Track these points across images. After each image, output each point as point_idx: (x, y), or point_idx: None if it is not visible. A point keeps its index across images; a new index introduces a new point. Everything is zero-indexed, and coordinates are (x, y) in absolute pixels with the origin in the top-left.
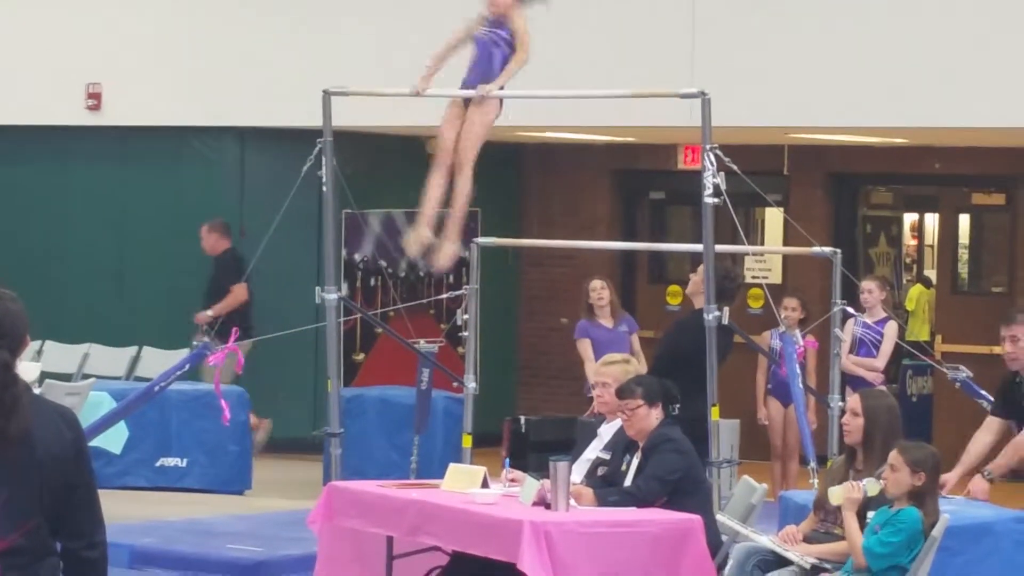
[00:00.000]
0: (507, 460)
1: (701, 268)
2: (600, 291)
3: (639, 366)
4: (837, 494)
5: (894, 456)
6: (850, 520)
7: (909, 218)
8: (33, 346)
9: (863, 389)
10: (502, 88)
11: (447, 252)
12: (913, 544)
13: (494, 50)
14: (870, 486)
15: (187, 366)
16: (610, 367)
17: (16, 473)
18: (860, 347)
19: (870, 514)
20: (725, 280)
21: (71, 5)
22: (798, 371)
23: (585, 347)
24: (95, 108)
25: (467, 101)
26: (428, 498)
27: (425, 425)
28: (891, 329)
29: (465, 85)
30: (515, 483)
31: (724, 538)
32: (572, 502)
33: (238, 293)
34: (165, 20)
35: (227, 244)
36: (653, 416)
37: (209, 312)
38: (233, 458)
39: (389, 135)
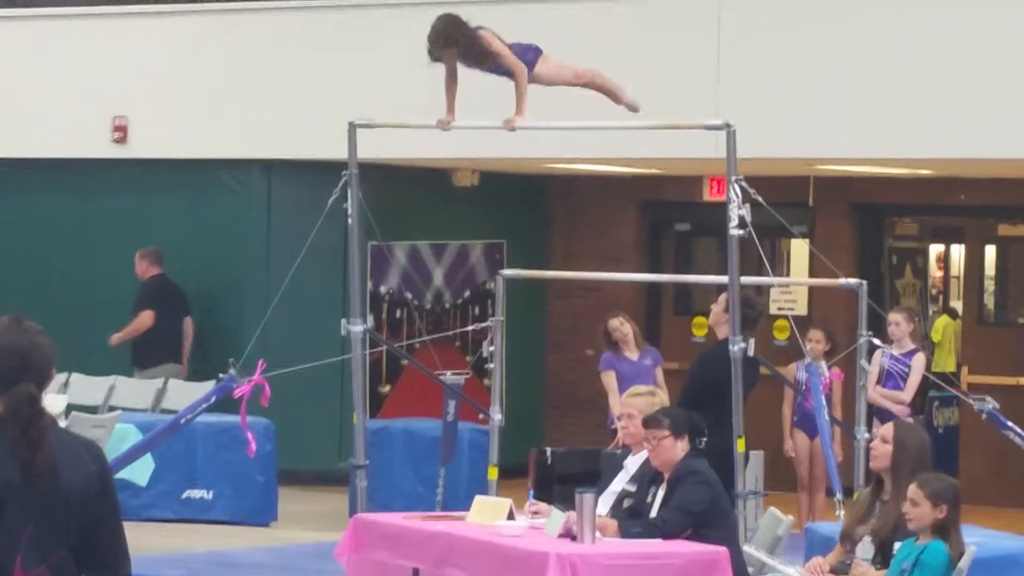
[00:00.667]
0: (531, 492)
1: (722, 298)
2: (620, 328)
3: (665, 398)
4: None
5: (913, 490)
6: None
7: (935, 249)
8: (59, 378)
9: (897, 420)
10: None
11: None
12: None
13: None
14: None
15: (213, 398)
16: (635, 399)
17: (42, 506)
18: (888, 379)
19: (897, 544)
20: (746, 308)
21: (97, 38)
22: (824, 403)
23: (610, 379)
24: (121, 141)
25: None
26: (454, 530)
27: (451, 457)
28: (919, 361)
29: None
30: (538, 515)
31: (750, 570)
32: (598, 534)
33: (143, 319)
34: (190, 53)
35: (157, 271)
36: (679, 448)
37: (117, 335)
38: (259, 490)
39: (415, 167)
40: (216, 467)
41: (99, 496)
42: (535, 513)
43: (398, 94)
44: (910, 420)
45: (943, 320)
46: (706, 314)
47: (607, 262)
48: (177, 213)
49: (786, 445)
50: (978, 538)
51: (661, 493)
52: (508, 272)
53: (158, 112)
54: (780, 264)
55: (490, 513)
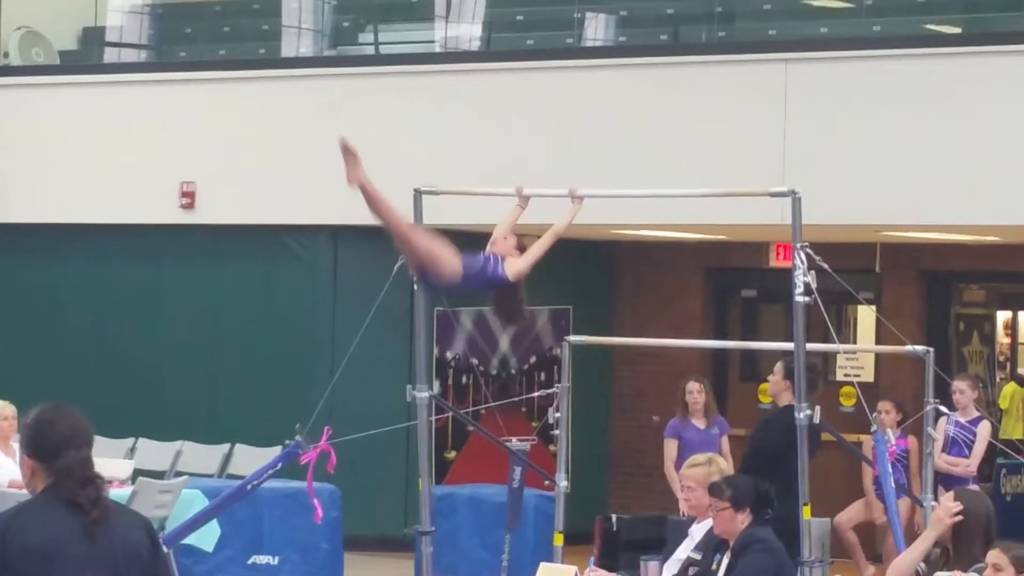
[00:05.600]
0: (592, 559)
1: (778, 366)
2: (696, 394)
3: (726, 466)
4: None
5: (996, 555)
6: None
7: (1002, 316)
8: (126, 444)
9: (958, 488)
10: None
11: (515, 265)
12: None
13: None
14: None
15: (280, 464)
16: (694, 470)
17: (99, 559)
18: (952, 446)
19: None
20: (808, 372)
21: (166, 103)
22: (890, 471)
23: (671, 447)
24: (189, 207)
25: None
26: None
27: (517, 523)
28: (984, 429)
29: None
30: None
31: None
32: None
33: None
34: (257, 118)
35: None
36: (739, 520)
37: None
38: (325, 556)
39: (480, 232)
40: (282, 533)
41: (152, 556)
42: None
43: (462, 160)
44: (975, 487)
45: (1011, 387)
46: None
47: (673, 328)
48: (244, 279)
49: (875, 512)
50: None
51: (726, 561)
52: (574, 338)
53: (225, 178)
54: (846, 330)
55: None
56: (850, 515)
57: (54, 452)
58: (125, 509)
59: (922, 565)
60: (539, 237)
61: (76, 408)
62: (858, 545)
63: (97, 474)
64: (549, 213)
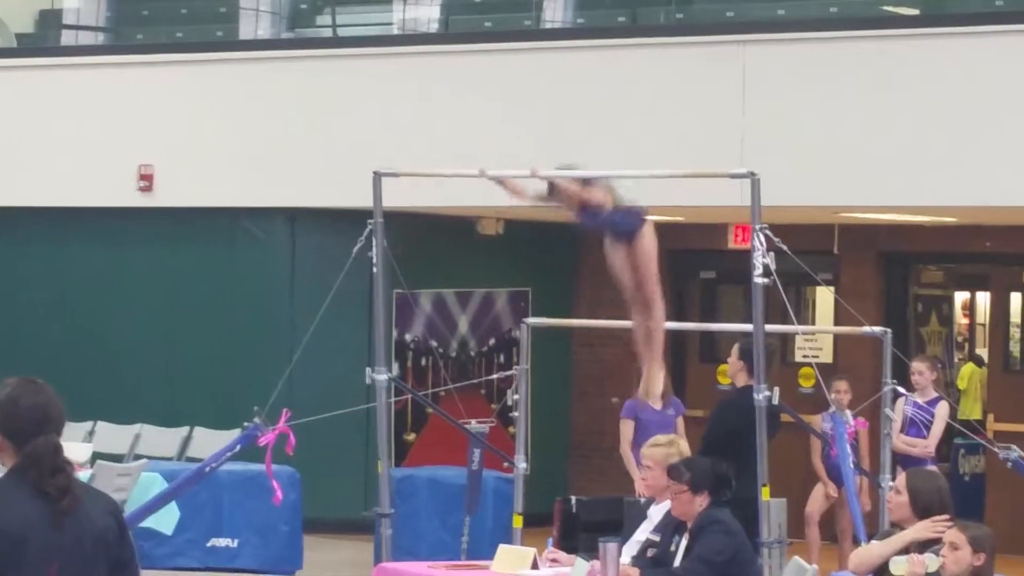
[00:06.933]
0: (550, 540)
1: (735, 348)
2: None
3: (687, 449)
4: (901, 565)
5: (955, 535)
6: None
7: (960, 297)
8: (85, 427)
9: (911, 469)
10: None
11: (659, 379)
12: None
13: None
14: (931, 561)
15: (238, 447)
16: (655, 450)
17: (68, 545)
18: (911, 427)
19: None
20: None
21: (123, 88)
22: (849, 452)
23: (627, 428)
24: (146, 190)
25: (620, 236)
26: None
27: (476, 505)
28: (942, 409)
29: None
30: (556, 563)
31: None
32: None
33: None
34: (215, 102)
35: None
36: (697, 502)
37: None
38: (284, 538)
39: (439, 215)
40: (241, 515)
41: (119, 540)
42: (553, 561)
43: (420, 142)
44: (932, 468)
45: (969, 368)
46: None
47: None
48: (202, 262)
49: (828, 488)
50: None
51: (684, 543)
52: (533, 320)
53: (183, 161)
54: (805, 312)
55: (514, 562)
56: (819, 504)
57: (23, 434)
58: (93, 492)
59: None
60: (498, 220)
61: (50, 386)
62: (818, 541)
63: (66, 460)
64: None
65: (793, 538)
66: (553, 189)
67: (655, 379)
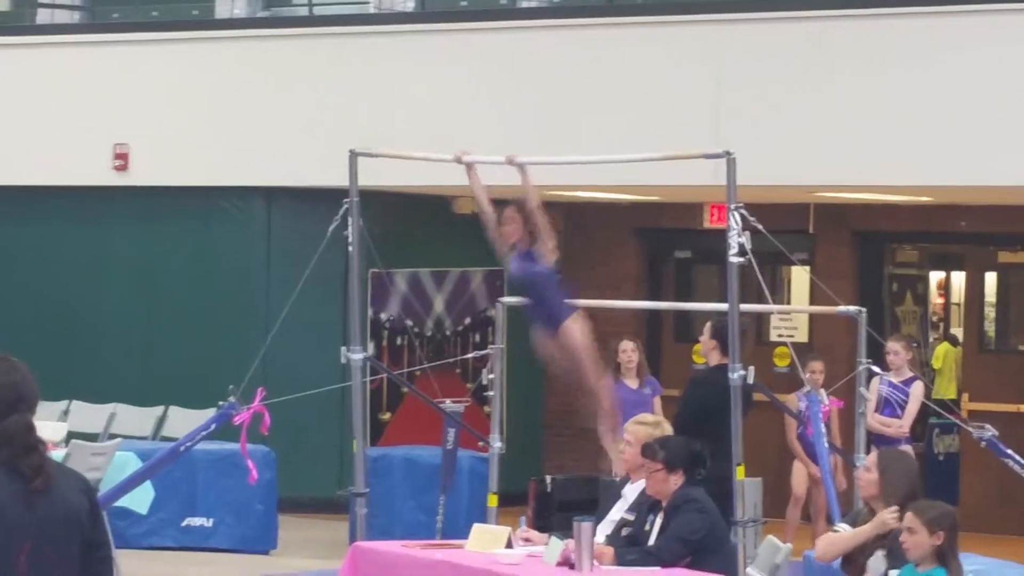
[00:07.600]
0: (523, 519)
1: (707, 327)
2: (630, 352)
3: (668, 429)
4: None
5: (910, 519)
6: None
7: (935, 276)
8: (60, 406)
9: (882, 448)
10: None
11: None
12: None
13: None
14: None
15: (213, 426)
16: (639, 427)
17: (42, 524)
18: (885, 407)
19: (892, 573)
20: (725, 330)
21: (98, 66)
22: (823, 431)
23: None
24: (122, 168)
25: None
26: (453, 558)
27: (451, 485)
28: (917, 389)
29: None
30: (529, 542)
31: None
32: (595, 562)
33: None
34: (191, 80)
35: None
36: (672, 481)
37: None
38: (259, 517)
39: (415, 194)
40: (216, 495)
41: (92, 520)
42: (526, 540)
43: (396, 121)
44: (907, 448)
45: (944, 347)
46: None
47: (607, 289)
48: (178, 240)
49: (810, 468)
50: (979, 566)
51: (659, 521)
52: (508, 299)
53: (159, 139)
54: (780, 291)
55: (489, 541)
56: (804, 482)
57: None
58: (66, 471)
59: (846, 526)
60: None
61: (24, 365)
62: (797, 520)
63: (40, 439)
64: (485, 174)
65: (768, 517)
66: (501, 219)
67: (613, 454)
